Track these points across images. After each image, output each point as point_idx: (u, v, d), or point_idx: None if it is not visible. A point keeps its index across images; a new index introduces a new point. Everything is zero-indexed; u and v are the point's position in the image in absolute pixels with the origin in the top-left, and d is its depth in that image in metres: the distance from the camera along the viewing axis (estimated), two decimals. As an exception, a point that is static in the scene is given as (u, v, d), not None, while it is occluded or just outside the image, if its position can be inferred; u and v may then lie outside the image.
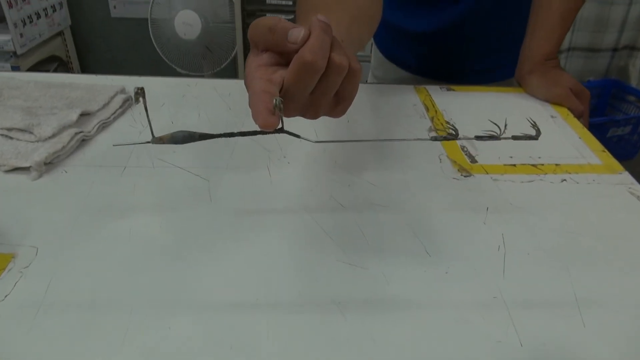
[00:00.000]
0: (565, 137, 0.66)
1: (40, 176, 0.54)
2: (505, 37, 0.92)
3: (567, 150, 0.63)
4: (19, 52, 1.97)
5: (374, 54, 1.12)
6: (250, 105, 0.36)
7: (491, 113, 0.71)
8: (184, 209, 0.50)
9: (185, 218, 0.49)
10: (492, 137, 0.44)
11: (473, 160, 0.60)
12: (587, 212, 0.52)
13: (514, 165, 0.59)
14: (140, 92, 0.36)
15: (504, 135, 0.43)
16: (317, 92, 0.39)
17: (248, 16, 2.01)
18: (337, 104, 0.41)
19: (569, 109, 0.73)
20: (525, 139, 0.43)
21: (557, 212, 0.52)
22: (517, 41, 0.82)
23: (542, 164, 0.60)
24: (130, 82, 0.75)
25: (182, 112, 0.69)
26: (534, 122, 0.44)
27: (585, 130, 0.68)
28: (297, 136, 0.41)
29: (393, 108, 0.72)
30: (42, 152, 0.55)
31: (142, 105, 0.37)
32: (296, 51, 0.37)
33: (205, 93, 0.74)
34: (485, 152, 0.62)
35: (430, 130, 0.66)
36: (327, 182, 0.55)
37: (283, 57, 0.40)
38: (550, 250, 0.47)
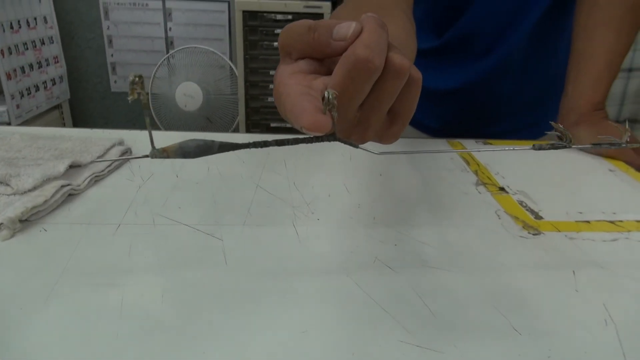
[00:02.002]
0: (635, 191, 0.57)
1: (12, 235, 0.43)
2: (541, 92, 0.86)
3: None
4: (13, 123, 1.92)
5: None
6: (288, 108, 0.27)
7: (541, 167, 0.62)
8: (191, 274, 0.39)
9: (192, 285, 0.38)
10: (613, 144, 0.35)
11: (537, 216, 0.50)
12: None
13: (588, 222, 0.50)
14: (138, 81, 0.26)
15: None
16: (368, 104, 0.31)
17: (251, 87, 1.99)
18: (392, 124, 0.33)
19: (625, 162, 0.65)
20: (608, 146, 0.35)
21: (662, 276, 0.41)
22: (554, 95, 0.76)
23: (621, 220, 0.50)
24: (130, 136, 0.67)
25: (188, 167, 0.59)
26: (562, 132, 0.36)
27: (656, 184, 0.59)
28: (355, 145, 0.31)
29: (429, 162, 0.63)
30: (17, 206, 0.45)
31: (140, 101, 0.27)
32: (343, 52, 0.29)
33: (214, 147, 0.65)
34: (549, 208, 0.52)
35: (477, 184, 0.57)
36: (367, 241, 0.45)
37: (324, 65, 0.32)
38: (675, 324, 0.36)
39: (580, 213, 0.51)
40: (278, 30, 1.85)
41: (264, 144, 0.30)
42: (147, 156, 0.30)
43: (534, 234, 0.47)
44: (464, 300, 0.38)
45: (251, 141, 0.30)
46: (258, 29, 1.83)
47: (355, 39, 0.29)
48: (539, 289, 0.39)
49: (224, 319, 0.35)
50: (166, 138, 0.65)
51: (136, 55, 2.34)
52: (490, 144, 0.70)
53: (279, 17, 1.83)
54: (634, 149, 0.66)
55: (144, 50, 2.33)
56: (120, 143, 0.62)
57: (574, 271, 0.41)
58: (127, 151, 0.60)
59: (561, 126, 0.34)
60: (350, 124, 0.32)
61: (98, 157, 0.57)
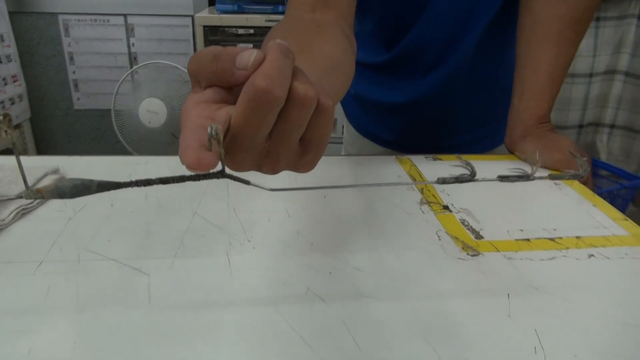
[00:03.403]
0: (579, 206, 0.57)
1: None
2: (490, 106, 0.87)
3: (585, 220, 0.53)
4: (-31, 144, 1.85)
5: (347, 130, 1.05)
6: (180, 143, 0.26)
7: (487, 185, 0.62)
8: (110, 315, 0.37)
9: (109, 329, 0.36)
10: (521, 177, 0.34)
11: (478, 235, 0.50)
12: (634, 294, 0.41)
13: (528, 240, 0.49)
14: (3, 120, 0.24)
15: (538, 174, 0.34)
16: (276, 134, 0.29)
17: (215, 102, 1.96)
18: (304, 153, 0.32)
19: (571, 175, 0.65)
20: (569, 178, 0.34)
21: (595, 296, 0.41)
22: (504, 108, 0.76)
23: (561, 237, 0.50)
24: (67, 163, 0.64)
25: (125, 194, 0.57)
26: (577, 155, 0.34)
27: (598, 197, 0.59)
28: (246, 182, 0.30)
29: (375, 180, 0.62)
30: None
31: (10, 139, 0.25)
32: (246, 81, 0.28)
33: (156, 172, 0.63)
34: (491, 226, 0.52)
35: (421, 203, 0.56)
36: (302, 270, 0.43)
37: (232, 94, 0.31)
38: (605, 351, 0.35)
39: (521, 231, 0.51)
40: (241, 45, 1.84)
41: (147, 183, 0.28)
42: (20, 197, 0.28)
43: (472, 255, 0.46)
44: (395, 331, 0.36)
45: (134, 180, 0.28)
46: (220, 44, 1.82)
47: (257, 68, 0.28)
48: (472, 315, 0.38)
49: (137, 365, 0.33)
50: (98, 163, 0.62)
51: (99, 71, 2.30)
52: (440, 159, 0.70)
53: (241, 31, 1.81)
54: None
55: (107, 66, 2.29)
56: (55, 171, 0.60)
57: (508, 294, 0.41)
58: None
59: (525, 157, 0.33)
60: (260, 156, 0.31)
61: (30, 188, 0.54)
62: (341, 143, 1.11)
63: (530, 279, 0.43)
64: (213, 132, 0.24)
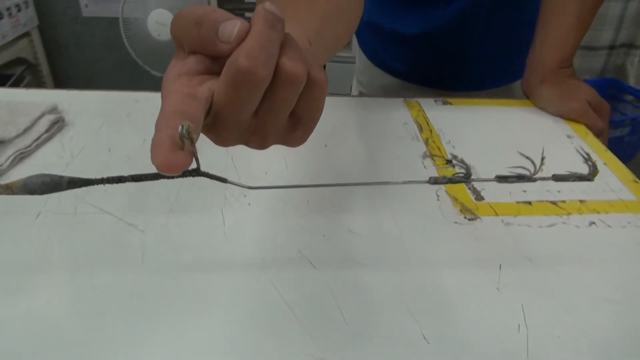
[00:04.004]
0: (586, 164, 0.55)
1: None
2: (507, 39, 0.81)
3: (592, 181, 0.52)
4: (-23, 55, 1.83)
5: (359, 58, 1.00)
6: (155, 127, 0.25)
7: (496, 132, 0.60)
8: (104, 275, 0.38)
9: (103, 290, 0.37)
10: (521, 178, 0.32)
11: (479, 197, 0.49)
12: (630, 269, 0.41)
13: (529, 203, 0.48)
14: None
15: (540, 175, 0.31)
16: (262, 112, 0.27)
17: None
18: (294, 129, 0.30)
19: (586, 125, 0.62)
20: (573, 180, 0.32)
21: (590, 271, 0.40)
22: (521, 43, 0.71)
23: (564, 201, 0.48)
24: (66, 98, 0.63)
25: (123, 136, 0.56)
26: (588, 155, 0.32)
27: (610, 154, 0.56)
28: (223, 180, 0.29)
29: (380, 128, 0.60)
30: None
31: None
32: (230, 54, 0.25)
33: (157, 111, 0.61)
34: (493, 185, 0.50)
35: (424, 156, 0.55)
36: (295, 231, 0.43)
37: (216, 62, 0.28)
38: (588, 330, 0.35)
39: (524, 192, 0.49)
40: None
41: (119, 180, 0.27)
42: None
43: (469, 219, 0.46)
44: (380, 302, 0.37)
45: (105, 177, 0.27)
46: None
47: (240, 42, 0.25)
48: (460, 287, 0.39)
49: (127, 332, 0.34)
50: (97, 99, 0.60)
51: (106, -24, 2.19)
52: (450, 103, 0.67)
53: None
54: (597, 112, 0.63)
55: (114, -30, 2.17)
56: (53, 110, 0.59)
57: (500, 265, 0.41)
58: (59, 120, 0.57)
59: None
60: (246, 132, 0.29)
61: (25, 130, 0.54)
62: (354, 63, 1.06)
63: (525, 249, 0.42)
64: (184, 132, 0.23)
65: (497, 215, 0.46)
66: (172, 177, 0.25)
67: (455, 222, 0.45)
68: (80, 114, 0.60)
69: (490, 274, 0.40)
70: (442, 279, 0.39)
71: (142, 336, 0.34)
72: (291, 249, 0.41)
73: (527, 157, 0.30)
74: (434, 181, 0.30)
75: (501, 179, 0.31)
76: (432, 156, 0.55)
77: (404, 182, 0.31)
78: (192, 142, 0.23)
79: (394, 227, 0.44)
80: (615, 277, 0.40)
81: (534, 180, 0.30)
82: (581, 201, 0.48)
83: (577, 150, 0.32)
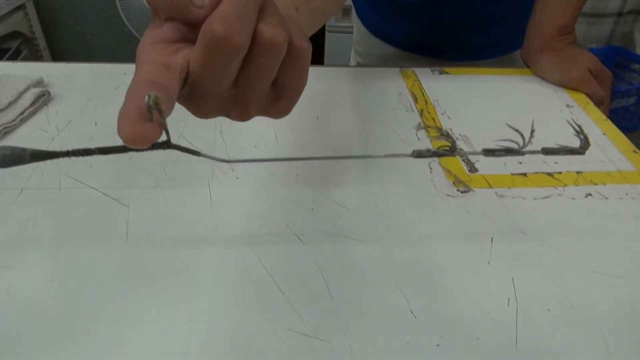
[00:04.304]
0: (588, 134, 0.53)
1: None
2: (508, 7, 0.78)
3: (590, 151, 0.50)
4: (-28, 29, 1.80)
5: (356, 27, 0.98)
6: (123, 104, 0.23)
7: (494, 102, 0.58)
8: (87, 251, 0.38)
9: (85, 266, 0.36)
10: (509, 152, 0.30)
11: (472, 168, 0.47)
12: (625, 242, 0.40)
13: (525, 174, 0.47)
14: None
15: (529, 148, 0.30)
16: (242, 81, 0.26)
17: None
18: (277, 99, 0.28)
19: (587, 94, 0.60)
20: (564, 154, 0.30)
21: (583, 244, 0.39)
22: (522, 11, 0.68)
23: (560, 172, 0.47)
24: (53, 71, 0.61)
25: (110, 110, 0.55)
26: (579, 128, 0.31)
27: (610, 123, 0.55)
28: (196, 153, 0.27)
29: (374, 99, 0.59)
30: None
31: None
32: (204, 21, 0.24)
33: (145, 83, 0.60)
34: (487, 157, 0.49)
35: (418, 128, 0.53)
36: (283, 204, 0.43)
37: (193, 29, 0.27)
38: (579, 304, 0.35)
39: (520, 163, 0.48)
40: None
41: (85, 153, 0.26)
42: None
43: (462, 192, 0.44)
44: (368, 277, 0.36)
45: (70, 150, 0.26)
46: None
47: (215, 6, 0.24)
48: (450, 261, 0.38)
49: (109, 309, 0.33)
50: (84, 71, 0.59)
51: (100, -55, 2.13)
52: (447, 72, 0.65)
53: None
54: (599, 81, 0.61)
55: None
56: (38, 83, 0.57)
57: (492, 238, 0.40)
58: (44, 94, 0.56)
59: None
60: (226, 103, 0.28)
61: (9, 104, 0.53)
62: (352, 33, 1.04)
63: (518, 222, 0.41)
64: (151, 102, 0.21)
65: (490, 187, 0.45)
66: (141, 150, 0.24)
67: (448, 195, 0.44)
68: (67, 87, 0.59)
69: (481, 247, 0.39)
70: (432, 253, 0.38)
71: (126, 313, 0.33)
72: (279, 223, 0.41)
73: (516, 130, 0.29)
74: (417, 154, 0.29)
75: (488, 152, 0.29)
76: (426, 127, 0.53)
77: (387, 156, 0.29)
78: (161, 113, 0.22)
79: (384, 201, 0.43)
80: (609, 249, 0.39)
81: (523, 153, 0.29)
82: (578, 172, 0.47)
83: (569, 122, 0.31)
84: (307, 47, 0.27)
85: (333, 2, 0.48)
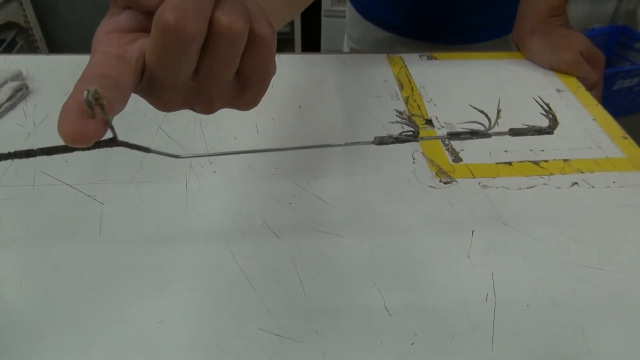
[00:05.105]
0: (576, 120, 0.52)
1: None
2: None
3: (579, 138, 0.49)
4: (-35, 19, 1.78)
5: (349, 11, 0.96)
6: (69, 96, 0.22)
7: (482, 88, 0.57)
8: (59, 250, 0.37)
9: (56, 266, 0.36)
10: (474, 134, 0.29)
11: (457, 158, 0.46)
12: (609, 233, 0.39)
13: (510, 163, 0.46)
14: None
15: (495, 130, 0.29)
16: (202, 72, 0.25)
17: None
18: (242, 91, 0.27)
19: (579, 78, 0.59)
20: (532, 134, 0.29)
21: (568, 236, 0.38)
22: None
23: (546, 161, 0.46)
24: (33, 63, 0.60)
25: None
26: (547, 106, 0.29)
27: (601, 108, 0.53)
28: (146, 150, 0.26)
29: (359, 86, 0.57)
30: None
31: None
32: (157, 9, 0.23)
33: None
34: (472, 146, 0.48)
35: (400, 115, 0.52)
36: (261, 199, 0.42)
37: (150, 18, 0.26)
38: (560, 298, 0.34)
39: (506, 152, 0.47)
40: None
41: (27, 154, 0.25)
42: None
43: (445, 183, 0.43)
44: (345, 274, 0.35)
45: (12, 151, 0.25)
46: None
47: None
48: (429, 255, 0.37)
49: (78, 309, 0.33)
50: (65, 63, 0.58)
51: None
52: (435, 58, 0.64)
53: None
54: (591, 64, 0.59)
55: None
56: (16, 77, 0.56)
57: (473, 231, 0.39)
58: (22, 87, 0.55)
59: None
60: (188, 95, 0.27)
61: (-14, 99, 0.52)
62: (344, 17, 1.02)
63: (500, 213, 0.40)
64: (90, 97, 0.20)
65: (474, 177, 0.44)
66: (85, 149, 0.23)
67: (430, 186, 0.43)
68: (46, 80, 0.58)
69: (461, 240, 0.38)
70: (411, 248, 0.37)
71: (95, 313, 0.33)
72: (255, 219, 0.40)
73: (481, 111, 0.28)
74: (379, 141, 0.28)
75: (453, 135, 0.28)
76: (411, 115, 0.52)
77: (347, 144, 0.28)
78: (103, 108, 0.21)
79: (365, 193, 0.42)
80: (593, 241, 0.38)
81: (489, 135, 0.28)
82: (565, 160, 0.46)
83: (536, 100, 0.29)
84: (270, 34, 0.26)
85: None
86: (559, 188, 0.43)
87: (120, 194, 0.42)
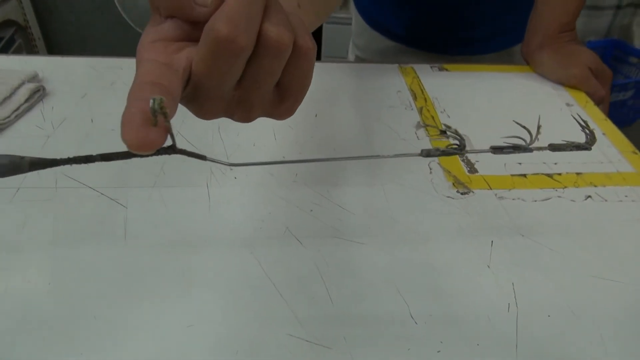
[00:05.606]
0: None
1: None
2: (508, 1, 0.78)
3: (590, 152, 0.50)
4: (-36, 17, 1.77)
5: (355, 20, 0.97)
6: (128, 99, 0.23)
7: (493, 100, 0.58)
8: (85, 254, 0.37)
9: (83, 269, 0.36)
10: (517, 149, 0.30)
11: (472, 169, 0.47)
12: (624, 246, 0.40)
13: (524, 175, 0.47)
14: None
15: (535, 145, 0.30)
16: (246, 82, 0.26)
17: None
18: (281, 100, 0.28)
19: (587, 93, 0.60)
20: (570, 150, 0.30)
21: (584, 248, 0.39)
22: (522, 5, 0.68)
23: (560, 174, 0.47)
24: (48, 65, 0.60)
25: (106, 107, 0.54)
26: (585, 123, 0.30)
27: (610, 123, 0.55)
28: (202, 157, 0.27)
29: (373, 96, 0.58)
30: None
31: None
32: (209, 19, 0.23)
33: (141, 78, 0.59)
34: (487, 157, 0.49)
35: (418, 126, 0.53)
36: (283, 206, 0.42)
37: (195, 27, 0.26)
38: (579, 309, 0.35)
39: (520, 164, 0.48)
40: None
41: (87, 160, 0.26)
42: None
43: (462, 193, 0.44)
44: (368, 280, 0.36)
45: (71, 157, 0.26)
46: None
47: (219, 5, 0.23)
48: (450, 264, 0.38)
49: (107, 311, 0.33)
50: (80, 65, 0.58)
51: None
52: (446, 69, 0.65)
53: None
54: (599, 79, 0.61)
55: None
56: (33, 79, 0.56)
57: (492, 242, 0.40)
58: (39, 89, 0.55)
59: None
60: (229, 104, 0.28)
61: (4, 99, 0.52)
62: (350, 24, 1.03)
63: (518, 224, 0.41)
64: (156, 106, 0.21)
65: (490, 188, 0.45)
66: (145, 156, 0.23)
67: (448, 197, 0.44)
68: (62, 82, 0.58)
69: (481, 250, 0.39)
70: (432, 256, 0.38)
71: (124, 316, 0.33)
72: (278, 225, 0.40)
73: (524, 127, 0.29)
74: (426, 154, 0.29)
75: (496, 149, 0.29)
76: (425, 126, 0.53)
77: (396, 156, 0.29)
78: (166, 117, 0.21)
79: (384, 202, 0.43)
80: (609, 254, 0.39)
81: (530, 150, 0.28)
82: (578, 174, 0.47)
83: (574, 118, 0.30)
84: (312, 47, 0.26)
85: None
86: (573, 201, 0.44)
87: (143, 198, 0.42)
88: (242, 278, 0.36)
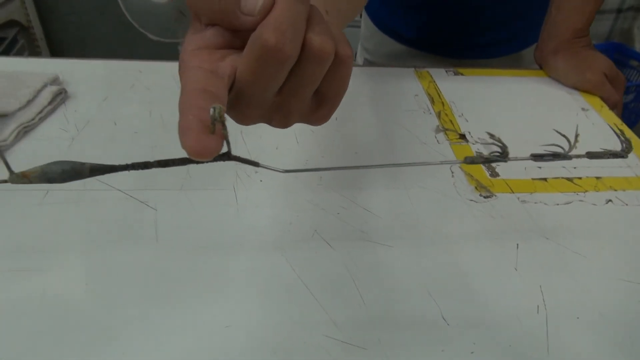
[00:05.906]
0: (604, 138, 0.54)
1: None
2: (518, 5, 0.78)
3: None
4: (-31, 17, 1.77)
5: (364, 23, 0.98)
6: (179, 107, 0.23)
7: (510, 104, 0.59)
8: (119, 254, 0.38)
9: (119, 270, 0.37)
10: (556, 156, 0.31)
11: (494, 173, 0.48)
12: (645, 249, 0.41)
13: (545, 179, 0.47)
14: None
15: (574, 152, 0.30)
16: (287, 89, 0.26)
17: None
18: (318, 107, 0.29)
19: (601, 98, 0.61)
20: (607, 157, 0.31)
21: (608, 251, 0.40)
22: (532, 10, 0.69)
23: (580, 178, 0.48)
24: (66, 67, 0.61)
25: (128, 109, 0.55)
26: (621, 131, 0.31)
27: (626, 128, 0.55)
28: (255, 164, 0.28)
29: (391, 99, 0.59)
30: None
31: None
32: (254, 28, 0.24)
33: (161, 82, 0.60)
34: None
35: (437, 130, 0.54)
36: (309, 209, 0.43)
37: (237, 35, 0.27)
38: (607, 311, 0.35)
39: (539, 168, 0.49)
40: None
41: (145, 166, 0.26)
42: (5, 181, 0.26)
43: (485, 197, 0.45)
44: (398, 282, 0.37)
45: (130, 163, 0.26)
46: None
47: (266, 15, 0.24)
48: (478, 266, 0.38)
49: (145, 312, 0.34)
50: (99, 68, 0.59)
51: None
52: (462, 73, 0.65)
53: None
54: (613, 84, 0.62)
55: None
56: (54, 81, 0.57)
57: (517, 244, 0.40)
58: (62, 92, 0.55)
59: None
60: (269, 110, 0.28)
61: (28, 102, 0.52)
62: (358, 27, 1.03)
63: (542, 227, 0.42)
64: (216, 115, 0.21)
65: (512, 192, 0.46)
66: (202, 162, 0.24)
67: (471, 200, 0.45)
68: (82, 85, 0.58)
69: (507, 253, 0.39)
70: (460, 259, 0.39)
71: (164, 316, 0.33)
72: (305, 228, 0.41)
73: (563, 135, 0.29)
74: (470, 161, 0.29)
75: (537, 157, 0.30)
76: (445, 130, 0.54)
77: (442, 163, 0.30)
78: (224, 124, 0.22)
79: (409, 205, 0.44)
80: (633, 257, 0.40)
81: (570, 157, 0.29)
82: (597, 178, 0.48)
83: (611, 127, 0.31)
84: (350, 55, 0.27)
85: (357, 3, 0.48)
86: (594, 205, 0.45)
87: (171, 200, 0.43)
88: (275, 279, 0.36)
